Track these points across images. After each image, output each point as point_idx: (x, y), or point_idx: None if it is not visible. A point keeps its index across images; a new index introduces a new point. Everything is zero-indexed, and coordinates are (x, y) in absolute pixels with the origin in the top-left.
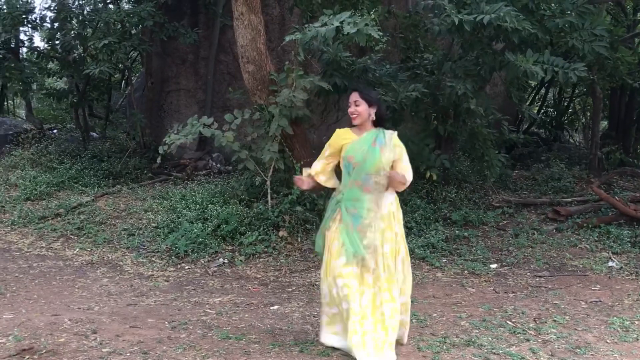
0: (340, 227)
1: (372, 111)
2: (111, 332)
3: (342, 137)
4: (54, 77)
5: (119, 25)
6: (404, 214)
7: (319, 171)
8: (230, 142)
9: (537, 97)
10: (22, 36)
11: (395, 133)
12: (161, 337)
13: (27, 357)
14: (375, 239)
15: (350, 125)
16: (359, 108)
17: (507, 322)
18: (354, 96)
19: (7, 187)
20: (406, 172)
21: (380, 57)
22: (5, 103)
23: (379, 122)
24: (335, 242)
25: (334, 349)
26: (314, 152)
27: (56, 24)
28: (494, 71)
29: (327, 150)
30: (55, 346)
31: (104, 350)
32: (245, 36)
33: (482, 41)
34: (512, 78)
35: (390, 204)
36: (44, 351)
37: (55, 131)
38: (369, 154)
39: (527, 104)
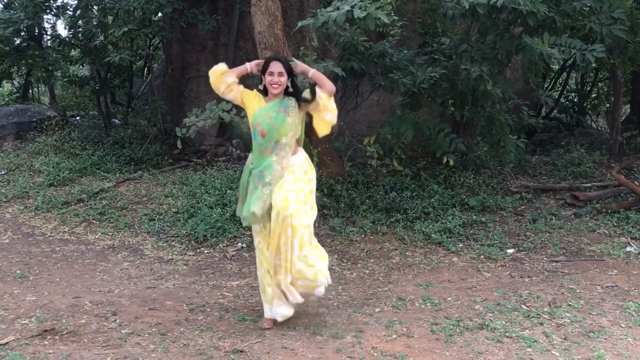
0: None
1: (288, 82)
2: (131, 314)
3: (254, 97)
4: (77, 65)
5: (140, 13)
6: (422, 199)
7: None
8: (249, 128)
9: (558, 82)
10: (44, 24)
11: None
12: (179, 319)
13: (49, 337)
14: (269, 196)
15: (263, 91)
16: (282, 79)
17: (522, 306)
18: (278, 66)
19: (31, 173)
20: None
21: (398, 41)
22: (30, 90)
23: (295, 92)
24: None
25: (347, 330)
26: (332, 137)
27: (78, 12)
28: (511, 55)
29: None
30: (76, 327)
31: (123, 331)
32: (262, 22)
33: (498, 25)
34: (528, 61)
35: (300, 165)
36: (65, 332)
37: (78, 118)
38: (276, 122)
39: (548, 88)
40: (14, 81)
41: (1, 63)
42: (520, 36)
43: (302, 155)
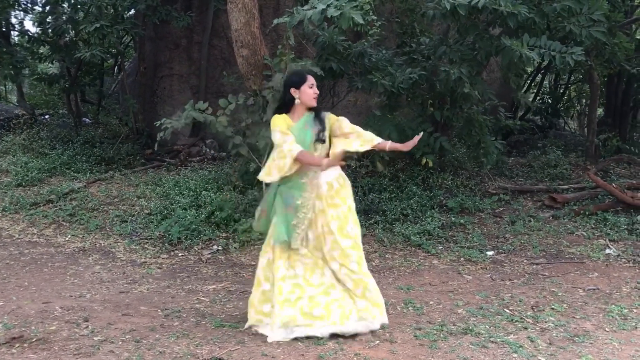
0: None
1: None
2: (103, 320)
3: (287, 122)
4: (46, 62)
5: (112, 9)
6: (400, 200)
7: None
8: (224, 127)
9: (532, 84)
10: (12, 20)
11: (328, 113)
12: (154, 325)
13: (17, 345)
14: (305, 219)
15: (291, 113)
16: (317, 91)
17: (505, 310)
18: (313, 80)
19: None
20: (357, 129)
21: (377, 42)
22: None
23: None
24: None
25: (328, 338)
26: None
27: (47, 7)
28: (490, 56)
29: (289, 135)
30: (46, 334)
31: (95, 338)
32: (239, 20)
33: (478, 26)
34: (507, 63)
35: (330, 183)
36: (34, 339)
37: (47, 117)
38: (300, 138)
39: (523, 90)
40: None
41: None
42: (499, 37)
43: (335, 171)
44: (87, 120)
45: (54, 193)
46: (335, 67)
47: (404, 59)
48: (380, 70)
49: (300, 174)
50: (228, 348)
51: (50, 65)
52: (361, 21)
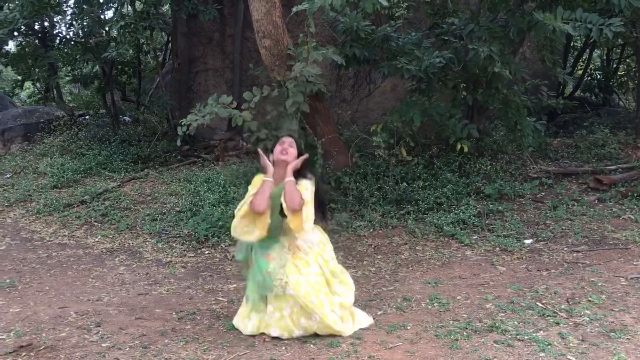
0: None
1: (299, 163)
2: (115, 324)
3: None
4: (82, 63)
5: (141, 5)
6: (434, 189)
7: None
8: (248, 121)
9: (582, 60)
10: (46, 22)
11: (305, 180)
12: (165, 330)
13: (24, 354)
14: (281, 268)
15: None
16: (292, 150)
17: (537, 303)
18: (289, 140)
19: (36, 175)
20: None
21: (409, 23)
22: (52, 91)
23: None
24: None
25: (344, 337)
26: (340, 127)
27: (77, 8)
28: (523, 33)
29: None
30: (55, 342)
31: (103, 345)
32: (259, 9)
33: (508, 1)
34: (542, 38)
35: (310, 247)
36: (42, 347)
37: (87, 117)
38: (277, 208)
39: (570, 66)
40: (37, 83)
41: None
42: (532, 12)
43: (316, 235)
44: (127, 118)
45: (87, 194)
46: (359, 54)
47: (432, 40)
48: (407, 54)
49: (275, 236)
50: (237, 352)
51: (86, 65)
52: (385, 3)
